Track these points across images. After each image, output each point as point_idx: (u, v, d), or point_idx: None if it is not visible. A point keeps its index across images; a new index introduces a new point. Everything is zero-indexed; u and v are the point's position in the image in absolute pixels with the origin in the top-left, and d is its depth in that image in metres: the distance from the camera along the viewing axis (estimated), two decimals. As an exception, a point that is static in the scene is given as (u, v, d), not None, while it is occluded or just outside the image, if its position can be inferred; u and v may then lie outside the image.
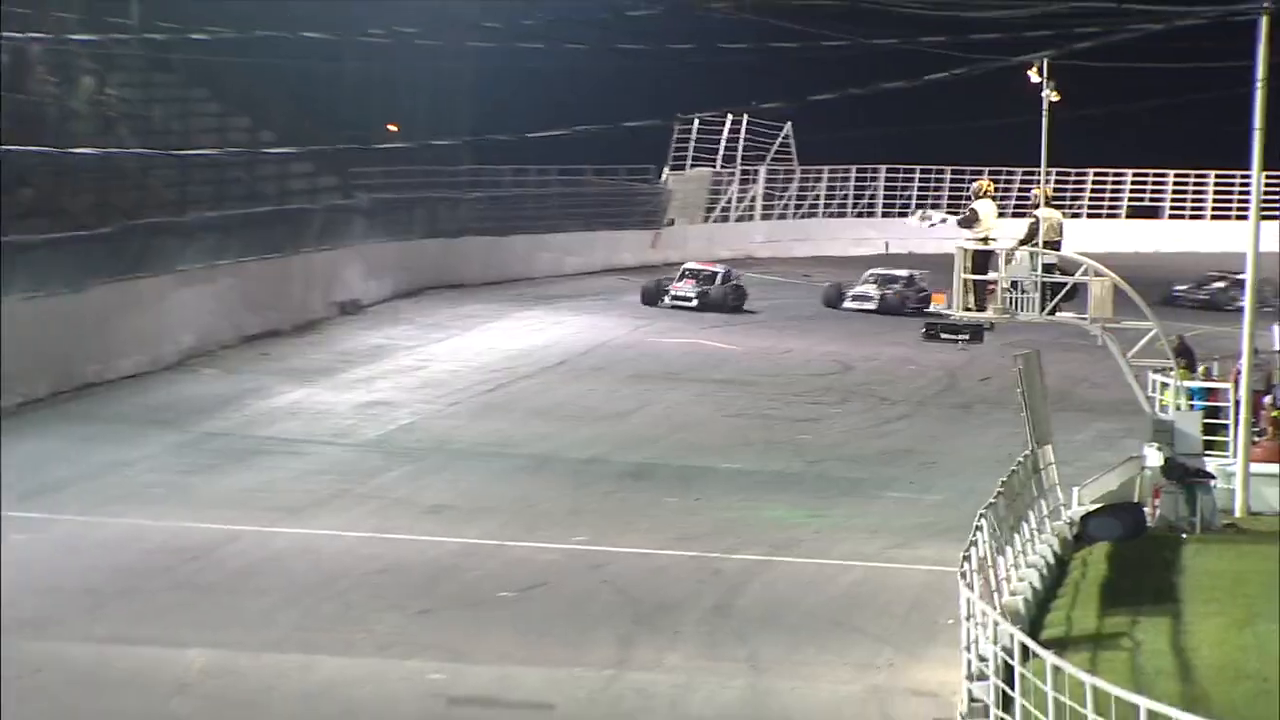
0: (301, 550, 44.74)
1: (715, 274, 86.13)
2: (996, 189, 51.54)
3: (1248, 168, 48.68)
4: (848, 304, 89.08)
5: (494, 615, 40.06)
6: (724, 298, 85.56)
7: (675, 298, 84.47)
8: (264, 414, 60.86)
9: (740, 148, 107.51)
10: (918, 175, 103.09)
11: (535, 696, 34.81)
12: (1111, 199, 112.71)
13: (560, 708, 34.27)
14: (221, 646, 36.48)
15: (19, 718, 32.29)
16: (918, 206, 50.73)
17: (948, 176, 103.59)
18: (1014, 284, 48.53)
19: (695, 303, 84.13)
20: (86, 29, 67.70)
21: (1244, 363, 48.42)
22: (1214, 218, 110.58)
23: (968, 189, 50.77)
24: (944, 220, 50.10)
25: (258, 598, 40.48)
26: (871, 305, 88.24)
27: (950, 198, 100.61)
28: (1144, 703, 26.11)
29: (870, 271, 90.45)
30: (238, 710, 33.46)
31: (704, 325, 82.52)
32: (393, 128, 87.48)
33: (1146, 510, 46.79)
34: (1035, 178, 53.72)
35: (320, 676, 35.25)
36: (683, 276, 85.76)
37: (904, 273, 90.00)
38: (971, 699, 31.58)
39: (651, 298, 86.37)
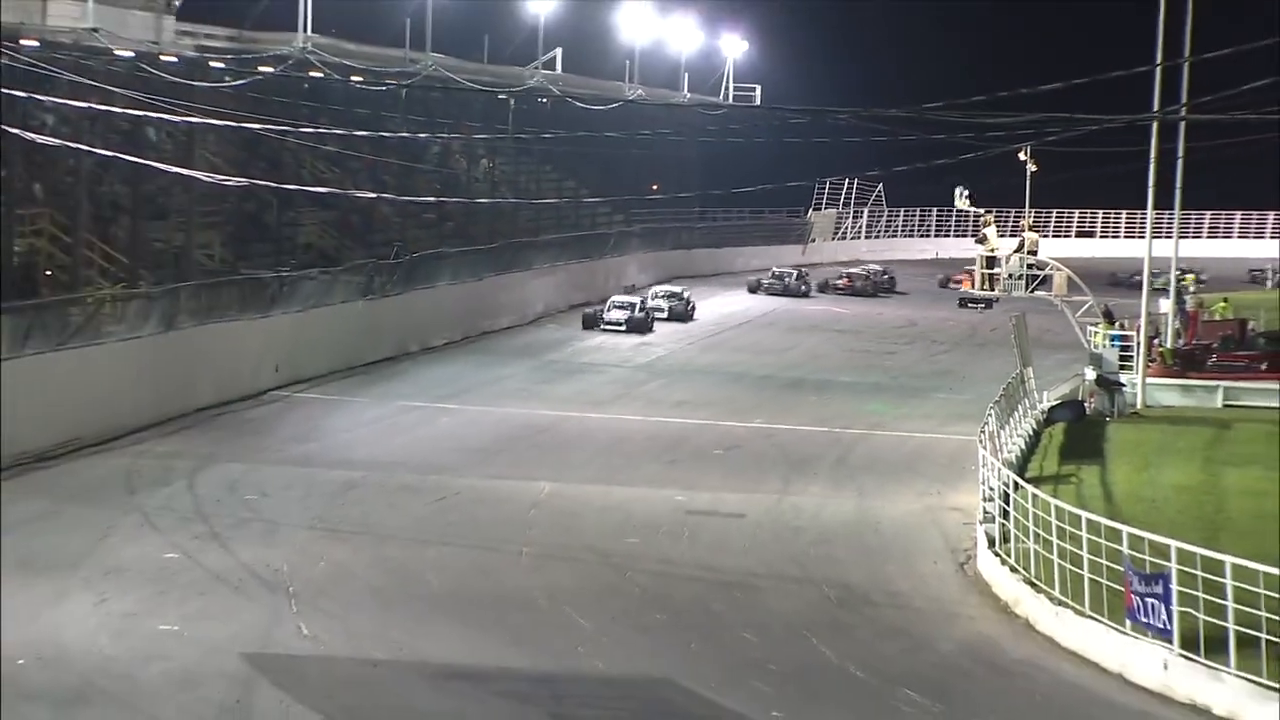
0: (602, 427, 45.02)
1: (634, 304, 68.22)
2: (997, 219, 51.02)
3: (1144, 207, 48.21)
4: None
5: (711, 464, 40.16)
6: (643, 320, 66.85)
7: (607, 323, 66.23)
8: (581, 350, 60.96)
9: (853, 196, 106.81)
10: (955, 212, 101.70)
11: (735, 509, 34.86)
12: (1066, 225, 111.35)
13: (749, 515, 34.33)
14: (558, 480, 36.90)
15: (446, 524, 32.62)
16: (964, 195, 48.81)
17: (972, 212, 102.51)
18: (1010, 275, 48.26)
19: (625, 326, 65.98)
20: (483, 132, 68.19)
21: (1142, 320, 48.04)
22: (1125, 238, 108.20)
23: (979, 221, 51.36)
24: (968, 197, 49.30)
25: (578, 453, 40.81)
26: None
27: (973, 221, 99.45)
28: (1084, 514, 26.19)
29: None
30: (566, 517, 33.52)
31: (830, 301, 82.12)
32: (655, 186, 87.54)
33: (1086, 404, 46.49)
34: (1023, 213, 53.40)
35: (613, 498, 35.47)
36: (611, 308, 67.31)
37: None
38: (984, 512, 31.50)
39: (590, 323, 66.04)
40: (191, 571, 27.96)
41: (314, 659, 23.82)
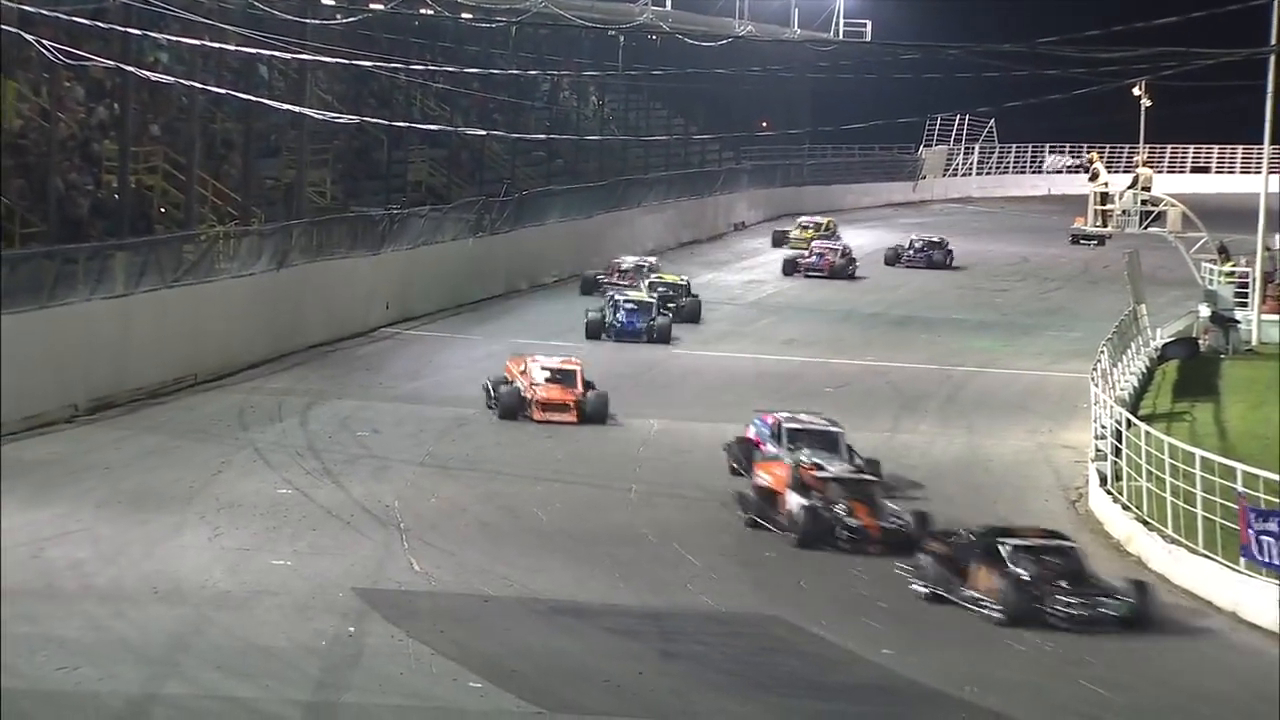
0: (711, 365, 44.93)
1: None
2: (1111, 158, 50.69)
3: (1261, 141, 47.59)
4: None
5: (821, 401, 39.87)
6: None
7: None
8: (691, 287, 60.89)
9: (964, 133, 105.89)
10: (1068, 148, 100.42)
11: (844, 446, 34.89)
12: (1179, 161, 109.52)
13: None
14: (666, 417, 37.01)
15: (555, 460, 32.70)
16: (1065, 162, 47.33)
17: (1084, 149, 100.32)
18: (1124, 211, 47.89)
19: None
20: (592, 69, 68.17)
21: (1258, 256, 47.49)
22: (1241, 173, 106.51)
23: (1086, 157, 51.06)
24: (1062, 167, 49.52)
25: (686, 390, 40.81)
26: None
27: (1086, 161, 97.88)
28: (1198, 452, 26.09)
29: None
30: (676, 454, 33.73)
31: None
32: (765, 123, 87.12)
33: (1200, 341, 46.11)
34: (1136, 149, 52.83)
35: (723, 435, 34.52)
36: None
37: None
38: (1097, 450, 31.41)
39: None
40: (304, 507, 28.20)
41: (425, 594, 24.00)
